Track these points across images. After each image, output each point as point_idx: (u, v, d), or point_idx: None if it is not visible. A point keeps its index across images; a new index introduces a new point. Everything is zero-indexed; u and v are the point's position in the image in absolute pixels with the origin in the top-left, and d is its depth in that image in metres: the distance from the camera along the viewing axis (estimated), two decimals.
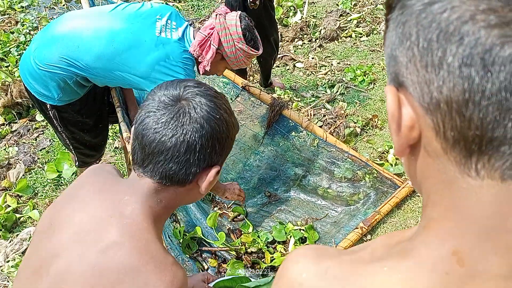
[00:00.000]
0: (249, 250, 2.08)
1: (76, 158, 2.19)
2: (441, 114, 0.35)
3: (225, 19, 1.72)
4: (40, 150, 2.78)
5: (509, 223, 0.36)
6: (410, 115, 0.38)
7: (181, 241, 2.01)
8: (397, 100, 0.39)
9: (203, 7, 4.52)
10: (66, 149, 2.37)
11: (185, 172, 0.76)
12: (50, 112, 1.87)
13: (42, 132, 2.93)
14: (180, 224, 2.16)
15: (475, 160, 0.35)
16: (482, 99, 0.32)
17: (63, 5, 4.45)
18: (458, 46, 0.32)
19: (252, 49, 1.77)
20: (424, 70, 0.35)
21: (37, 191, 2.51)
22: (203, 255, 2.08)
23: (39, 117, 3.01)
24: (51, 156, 2.73)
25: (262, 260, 2.06)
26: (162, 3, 4.13)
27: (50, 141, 2.84)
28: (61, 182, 2.55)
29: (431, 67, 0.34)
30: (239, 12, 1.79)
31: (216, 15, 1.73)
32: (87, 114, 1.98)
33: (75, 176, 2.56)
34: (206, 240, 2.09)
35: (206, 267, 2.03)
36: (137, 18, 1.71)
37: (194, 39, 1.75)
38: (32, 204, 2.41)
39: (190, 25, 1.83)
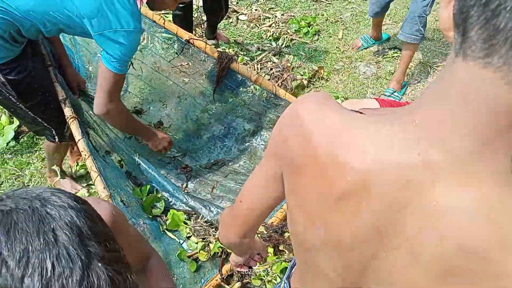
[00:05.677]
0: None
1: (54, 133, 1.88)
2: None
3: None
4: None
5: (455, 95, 0.43)
6: None
7: (143, 200, 1.93)
8: None
9: None
10: (37, 132, 1.99)
11: None
12: None
13: None
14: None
15: (462, 40, 0.42)
16: None
17: None
18: None
19: None
20: None
21: None
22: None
23: None
24: None
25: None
26: None
27: None
28: None
29: None
30: None
31: None
32: (35, 67, 1.71)
33: (16, 145, 2.33)
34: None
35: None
36: None
37: None
38: None
39: None
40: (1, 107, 2.31)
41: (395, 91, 2.87)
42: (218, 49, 2.93)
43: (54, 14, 1.52)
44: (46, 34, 1.75)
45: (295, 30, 3.41)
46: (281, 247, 1.76)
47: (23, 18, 1.51)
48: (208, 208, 1.94)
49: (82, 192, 2.12)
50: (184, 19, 2.83)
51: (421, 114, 0.46)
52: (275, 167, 0.65)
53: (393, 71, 3.05)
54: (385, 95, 2.86)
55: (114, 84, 1.63)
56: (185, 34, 2.42)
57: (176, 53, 2.50)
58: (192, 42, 2.43)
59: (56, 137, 1.90)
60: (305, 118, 0.56)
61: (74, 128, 1.82)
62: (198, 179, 2.22)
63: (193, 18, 3.08)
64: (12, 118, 2.42)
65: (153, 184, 2.07)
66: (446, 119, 0.44)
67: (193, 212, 1.96)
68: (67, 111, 1.84)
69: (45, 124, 1.84)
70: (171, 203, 2.01)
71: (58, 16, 1.52)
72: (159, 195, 2.02)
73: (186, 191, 2.11)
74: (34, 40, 1.78)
